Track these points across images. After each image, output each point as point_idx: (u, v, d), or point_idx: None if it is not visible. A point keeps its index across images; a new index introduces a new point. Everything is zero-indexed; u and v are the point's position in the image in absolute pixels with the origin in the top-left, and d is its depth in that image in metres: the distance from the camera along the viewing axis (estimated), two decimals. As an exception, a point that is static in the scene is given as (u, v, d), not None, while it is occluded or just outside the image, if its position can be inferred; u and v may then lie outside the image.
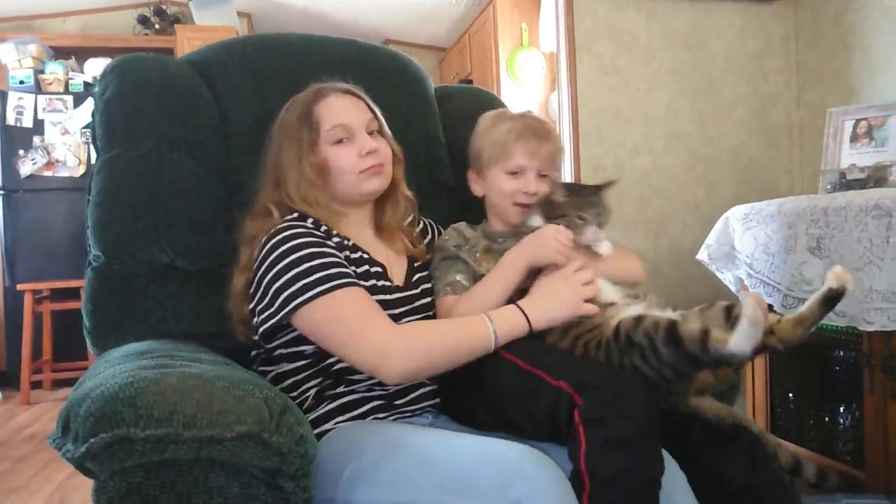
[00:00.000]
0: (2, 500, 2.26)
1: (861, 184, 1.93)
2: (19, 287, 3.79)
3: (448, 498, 0.84)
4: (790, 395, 2.02)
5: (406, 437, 0.97)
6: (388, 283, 1.18)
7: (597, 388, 0.91)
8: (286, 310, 1.05)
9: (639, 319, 1.01)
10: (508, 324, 1.08)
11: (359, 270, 1.15)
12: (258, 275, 1.09)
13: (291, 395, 1.11)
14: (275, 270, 1.06)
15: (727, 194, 2.68)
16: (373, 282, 1.15)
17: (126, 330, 1.17)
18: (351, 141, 1.19)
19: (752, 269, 1.94)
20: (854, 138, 2.13)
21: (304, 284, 1.04)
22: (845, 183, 1.98)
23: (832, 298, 0.98)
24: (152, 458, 0.75)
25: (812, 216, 1.73)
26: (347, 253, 1.15)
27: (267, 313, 1.07)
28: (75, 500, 2.24)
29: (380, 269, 1.19)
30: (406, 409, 1.12)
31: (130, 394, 0.75)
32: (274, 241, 1.09)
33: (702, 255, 2.17)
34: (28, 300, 3.75)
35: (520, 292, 1.16)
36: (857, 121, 2.14)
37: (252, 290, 1.11)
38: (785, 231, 1.81)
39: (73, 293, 3.80)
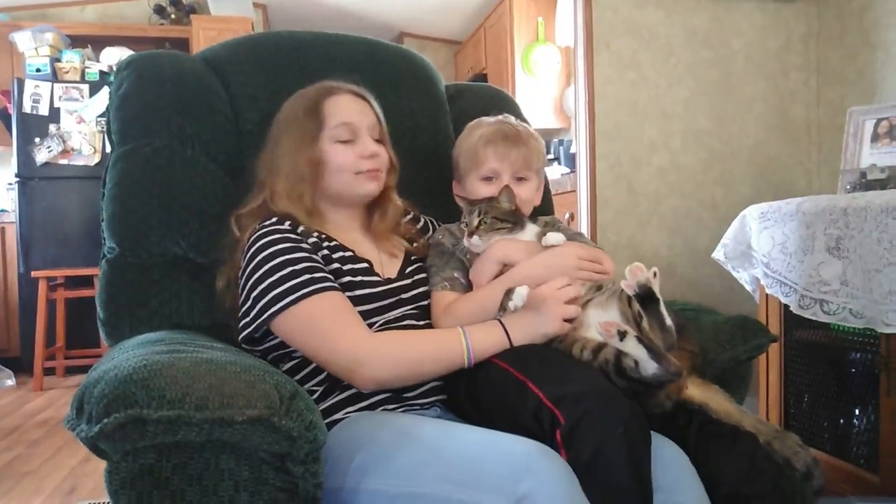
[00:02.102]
0: (14, 484, 2.29)
1: (882, 184, 1.91)
2: (34, 274, 3.83)
3: (456, 490, 0.83)
4: (805, 396, 2.00)
5: (415, 429, 0.97)
6: (374, 278, 1.18)
7: (577, 402, 0.90)
8: (260, 319, 1.07)
9: (595, 352, 1.04)
10: (486, 341, 1.09)
11: (344, 268, 1.15)
12: (241, 282, 1.12)
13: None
14: (252, 280, 1.09)
15: (744, 192, 2.66)
16: (360, 277, 1.16)
17: (140, 321, 1.19)
18: (353, 142, 1.21)
19: (768, 268, 1.92)
20: (875, 138, 2.10)
21: (276, 294, 1.06)
22: (865, 183, 1.95)
23: (644, 296, 1.02)
24: (164, 440, 0.76)
25: (831, 216, 1.71)
26: (326, 252, 1.16)
27: (244, 321, 1.10)
28: (87, 485, 2.26)
29: (365, 265, 1.20)
30: (415, 402, 1.12)
31: (143, 376, 0.75)
32: (253, 248, 1.12)
33: (718, 254, 2.16)
34: (42, 287, 3.79)
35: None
36: (879, 120, 2.10)
37: (239, 296, 1.13)
38: (803, 231, 1.79)
39: (87, 281, 3.83)
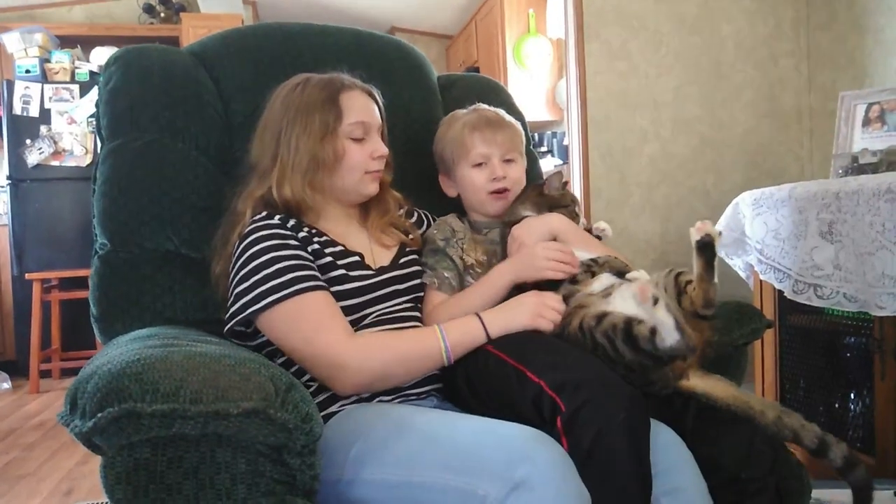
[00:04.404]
0: (10, 486, 2.28)
1: (874, 168, 1.91)
2: (28, 276, 3.81)
3: (453, 477, 0.84)
4: (800, 381, 2.01)
5: (412, 418, 0.97)
6: (366, 272, 1.18)
7: (578, 389, 0.91)
8: (241, 315, 1.07)
9: (600, 318, 1.04)
10: (463, 336, 1.09)
11: (337, 262, 1.15)
12: (230, 277, 1.12)
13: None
14: (239, 276, 1.09)
15: (736, 180, 2.66)
16: (357, 271, 1.17)
17: (133, 317, 1.18)
18: (365, 140, 1.21)
19: (762, 254, 1.93)
20: (866, 122, 2.11)
21: (260, 292, 1.06)
22: (857, 167, 1.95)
23: (705, 246, 1.04)
24: (159, 433, 0.75)
25: (824, 200, 1.71)
26: (317, 246, 1.15)
27: (229, 314, 1.09)
28: (83, 487, 2.26)
29: (357, 259, 1.19)
30: (411, 392, 1.12)
31: (137, 370, 0.75)
32: (242, 244, 1.11)
33: (711, 241, 2.16)
34: (36, 289, 3.77)
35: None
36: (870, 105, 2.11)
37: (228, 291, 1.13)
38: (796, 216, 1.80)
39: (82, 282, 3.81)
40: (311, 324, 1.05)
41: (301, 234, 1.15)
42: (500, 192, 1.30)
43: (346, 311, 1.13)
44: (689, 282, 1.07)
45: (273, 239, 1.11)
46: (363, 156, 1.20)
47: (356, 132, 1.20)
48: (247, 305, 1.06)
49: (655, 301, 0.98)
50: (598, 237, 1.33)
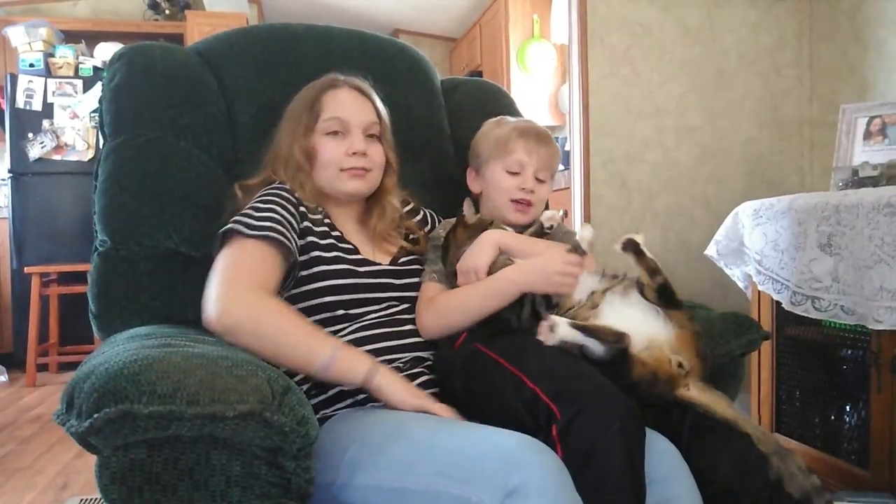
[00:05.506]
0: (7, 479, 2.28)
1: (874, 181, 1.91)
2: (27, 270, 3.81)
3: (447, 484, 0.84)
4: (796, 392, 2.01)
5: (407, 424, 0.97)
6: (358, 257, 1.20)
7: (574, 398, 0.92)
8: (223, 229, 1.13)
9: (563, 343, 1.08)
10: (349, 369, 1.03)
11: (321, 242, 1.17)
12: None
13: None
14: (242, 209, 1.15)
15: (736, 189, 2.66)
16: (336, 253, 1.18)
17: (131, 314, 1.19)
18: (344, 137, 1.22)
19: (760, 265, 1.93)
20: (867, 135, 2.11)
21: (236, 220, 1.11)
22: (857, 180, 1.95)
23: (632, 249, 1.12)
24: (155, 435, 0.75)
25: (823, 213, 1.71)
26: (309, 224, 1.18)
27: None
28: (79, 481, 2.26)
29: (349, 247, 1.21)
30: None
31: (134, 370, 0.75)
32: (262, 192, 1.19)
33: (710, 251, 2.16)
34: (35, 283, 3.77)
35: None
36: (871, 118, 2.11)
37: None
38: (795, 228, 1.80)
39: (81, 277, 3.80)
40: (236, 260, 1.08)
41: (301, 209, 1.19)
42: (522, 202, 1.29)
43: (330, 291, 1.14)
44: (643, 283, 1.12)
45: (278, 198, 1.16)
46: (337, 152, 1.21)
47: (331, 127, 1.21)
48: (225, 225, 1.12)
49: (553, 328, 1.04)
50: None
